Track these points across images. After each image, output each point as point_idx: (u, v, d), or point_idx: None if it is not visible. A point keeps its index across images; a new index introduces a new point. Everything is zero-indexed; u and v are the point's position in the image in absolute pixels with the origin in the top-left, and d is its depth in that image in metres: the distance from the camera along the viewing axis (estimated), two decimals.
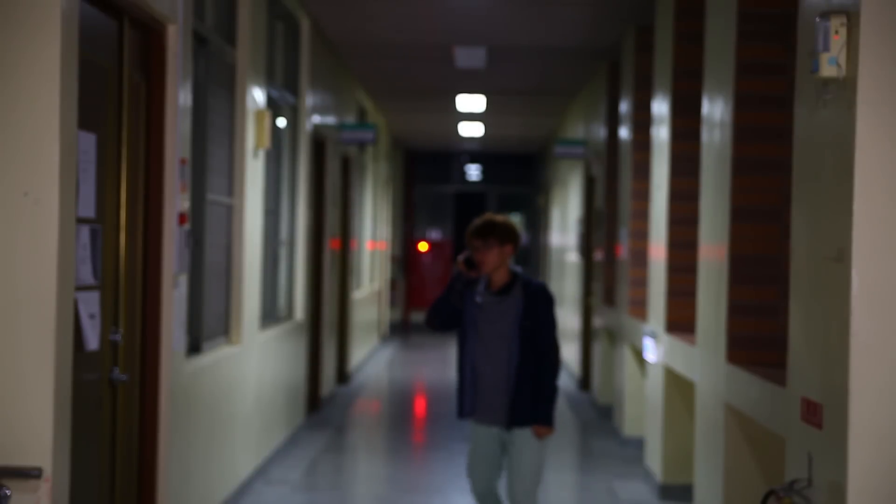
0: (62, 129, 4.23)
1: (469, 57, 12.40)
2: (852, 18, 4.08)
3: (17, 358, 4.18)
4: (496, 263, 5.82)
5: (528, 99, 16.45)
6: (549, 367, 5.84)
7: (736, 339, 6.43)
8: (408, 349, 19.67)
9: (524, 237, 26.37)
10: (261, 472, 8.68)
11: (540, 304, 5.82)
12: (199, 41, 6.91)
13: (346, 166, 13.90)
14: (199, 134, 6.97)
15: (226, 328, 7.84)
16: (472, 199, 26.19)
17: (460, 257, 5.87)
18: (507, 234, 5.83)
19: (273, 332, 9.30)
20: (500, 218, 5.90)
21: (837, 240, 4.17)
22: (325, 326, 12.20)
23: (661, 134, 8.75)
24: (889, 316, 4.04)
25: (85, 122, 4.69)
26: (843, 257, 4.11)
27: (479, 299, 5.86)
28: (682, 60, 8.33)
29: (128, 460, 5.50)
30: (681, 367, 7.87)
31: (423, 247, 25.37)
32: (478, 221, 5.88)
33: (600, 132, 12.69)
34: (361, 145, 15.00)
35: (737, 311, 6.43)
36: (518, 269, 5.92)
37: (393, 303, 22.79)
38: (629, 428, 10.50)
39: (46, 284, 4.19)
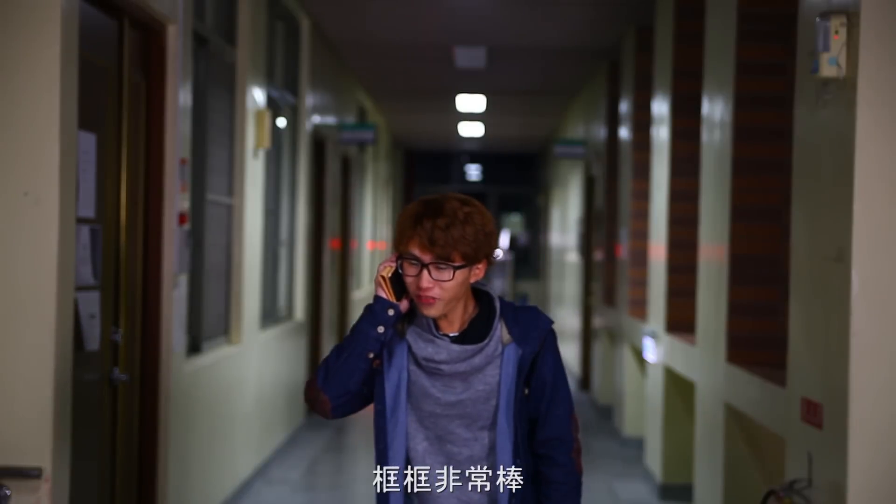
0: (62, 129, 4.23)
1: (469, 57, 12.39)
2: (852, 18, 4.08)
3: (17, 358, 4.18)
4: (455, 298, 2.98)
5: (528, 99, 16.45)
6: (566, 470, 3.05)
7: (736, 339, 6.43)
8: None
9: (523, 237, 26.33)
10: (261, 472, 8.68)
11: (547, 354, 3.05)
12: (199, 41, 6.91)
13: (346, 166, 13.90)
14: (199, 134, 6.97)
15: (226, 328, 7.84)
16: None
17: (384, 269, 2.99)
18: (483, 244, 2.97)
19: (273, 332, 9.30)
20: (465, 207, 2.95)
21: (837, 240, 4.17)
22: (325, 326, 12.20)
23: (661, 134, 8.75)
24: (889, 316, 4.04)
25: (85, 122, 4.69)
26: (843, 257, 4.11)
27: (420, 352, 3.00)
28: (682, 60, 8.33)
29: (128, 460, 5.50)
30: (681, 367, 7.87)
31: None
32: (423, 209, 2.96)
33: (600, 132, 12.69)
34: (361, 145, 15.00)
35: (737, 311, 6.43)
36: (486, 286, 3.09)
37: None
38: (629, 428, 10.50)
39: (46, 284, 4.19)
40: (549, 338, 3.06)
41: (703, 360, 7.07)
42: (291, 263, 10.46)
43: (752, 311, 6.41)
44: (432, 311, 2.97)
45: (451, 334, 3.02)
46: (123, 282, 5.34)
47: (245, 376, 8.14)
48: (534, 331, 3.04)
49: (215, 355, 7.28)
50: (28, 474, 4.12)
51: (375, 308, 2.99)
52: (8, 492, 4.07)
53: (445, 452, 3.03)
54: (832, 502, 4.21)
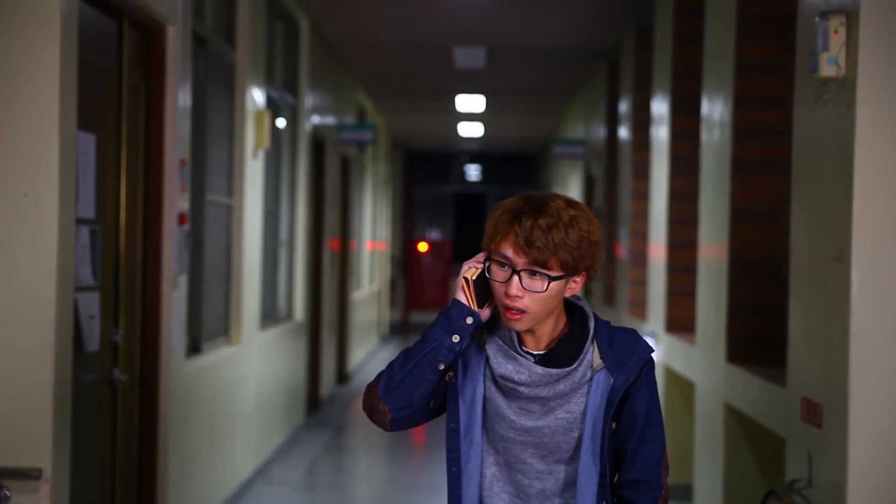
0: (62, 130, 4.23)
1: (469, 57, 12.40)
2: (851, 18, 4.08)
3: (17, 358, 4.18)
4: (545, 313, 2.63)
5: (527, 99, 16.45)
6: None
7: (736, 339, 6.43)
8: None
9: None
10: (261, 472, 8.68)
11: (642, 387, 2.70)
12: (199, 41, 6.91)
13: (345, 166, 13.90)
14: (199, 134, 6.97)
15: (226, 328, 7.84)
16: (471, 200, 26.20)
17: (468, 270, 2.65)
18: (586, 253, 2.67)
19: (273, 333, 9.30)
20: (571, 209, 2.63)
21: (837, 240, 4.16)
22: (324, 326, 12.20)
23: (660, 134, 8.75)
24: (889, 316, 4.04)
25: (85, 123, 4.69)
26: (842, 257, 4.11)
27: (498, 369, 2.67)
28: (682, 60, 8.33)
29: (128, 460, 5.50)
30: (681, 367, 7.87)
31: (422, 247, 25.36)
32: (523, 205, 2.61)
33: (600, 132, 12.69)
34: (361, 146, 15.01)
35: (737, 311, 6.43)
36: (582, 301, 2.75)
37: (393, 303, 22.79)
38: None
39: (46, 285, 4.19)
40: (646, 368, 2.69)
41: (703, 359, 7.07)
42: (291, 264, 10.46)
43: (752, 311, 6.41)
44: (518, 326, 2.60)
45: (536, 352, 2.65)
46: (123, 282, 5.34)
47: (245, 377, 8.14)
48: (630, 358, 2.67)
49: (215, 356, 7.28)
50: (28, 475, 4.12)
51: (452, 314, 2.63)
52: (8, 493, 4.07)
53: (514, 482, 2.68)
54: (832, 502, 4.21)
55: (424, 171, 26.12)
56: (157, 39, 5.71)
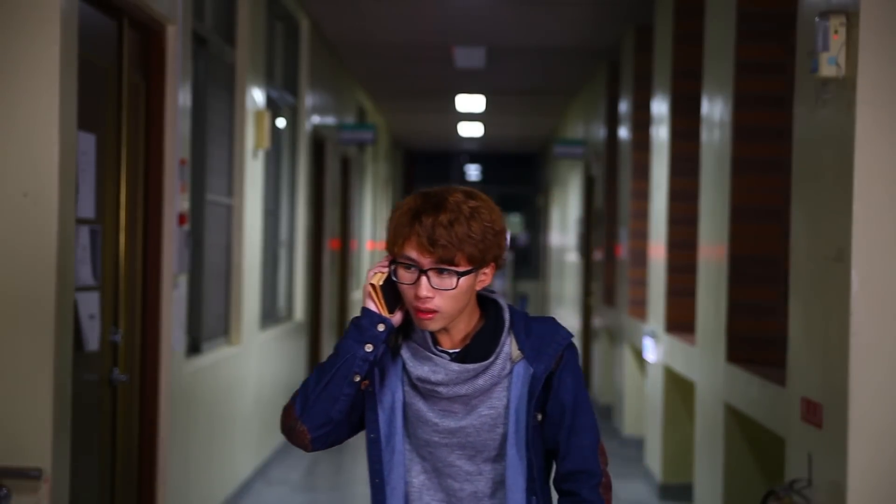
0: (62, 130, 4.23)
1: (469, 57, 12.40)
2: (851, 18, 4.08)
3: (17, 358, 4.18)
4: (458, 310, 2.55)
5: (527, 99, 16.45)
6: None
7: (736, 339, 6.43)
8: None
9: (523, 237, 26.31)
10: (261, 472, 8.68)
11: (564, 374, 2.59)
12: (199, 41, 6.91)
13: (345, 166, 13.90)
14: (199, 134, 6.97)
15: (226, 328, 7.84)
16: None
17: (374, 276, 2.59)
18: (492, 244, 2.54)
19: (273, 333, 9.30)
20: (471, 200, 2.52)
21: (837, 240, 4.16)
22: (325, 326, 12.20)
23: (660, 134, 8.75)
24: (889, 316, 4.04)
25: (85, 123, 4.69)
26: (842, 257, 4.11)
27: (415, 372, 2.59)
28: (682, 60, 8.33)
29: (128, 460, 5.50)
30: (681, 367, 7.87)
31: None
32: (422, 204, 2.52)
33: (600, 132, 12.69)
34: (361, 145, 15.00)
35: (737, 311, 6.43)
36: (495, 293, 2.67)
37: None
38: (629, 427, 10.50)
39: (46, 285, 4.19)
40: (567, 354, 2.58)
41: (703, 359, 7.07)
42: (291, 264, 10.46)
43: (752, 311, 6.41)
44: (432, 326, 2.52)
45: (452, 350, 2.58)
46: (123, 282, 5.34)
47: (245, 377, 8.14)
48: (549, 346, 2.56)
49: (215, 356, 7.28)
50: (28, 474, 4.12)
51: (363, 323, 2.55)
52: (8, 492, 4.07)
53: (445, 488, 2.60)
54: (832, 502, 4.21)
55: (424, 170, 26.12)
56: (157, 39, 5.71)
